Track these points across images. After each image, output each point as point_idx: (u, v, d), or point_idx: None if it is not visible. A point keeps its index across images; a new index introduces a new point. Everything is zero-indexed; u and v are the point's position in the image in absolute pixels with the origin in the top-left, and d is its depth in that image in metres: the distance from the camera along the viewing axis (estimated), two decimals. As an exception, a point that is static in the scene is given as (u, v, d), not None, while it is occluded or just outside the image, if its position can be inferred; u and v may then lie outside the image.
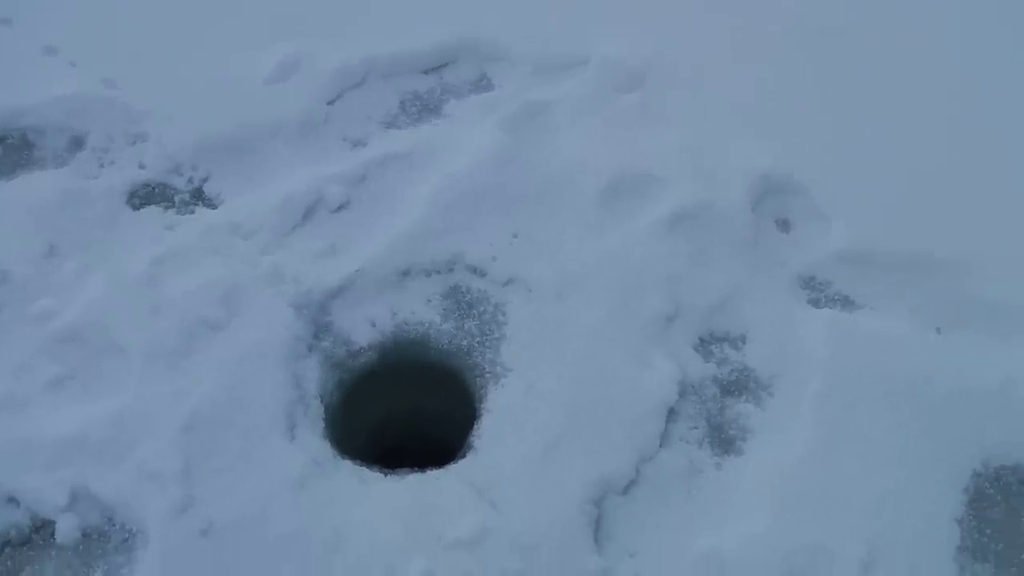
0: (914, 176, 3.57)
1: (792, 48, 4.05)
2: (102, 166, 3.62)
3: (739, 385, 3.12)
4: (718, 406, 3.06)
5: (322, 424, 2.97)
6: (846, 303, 3.33)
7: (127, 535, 2.68)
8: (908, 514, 2.78)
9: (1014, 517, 2.85)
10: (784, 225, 3.55)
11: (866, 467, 2.87)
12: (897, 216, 3.47)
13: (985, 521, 2.83)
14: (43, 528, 2.70)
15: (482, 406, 3.02)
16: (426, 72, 4.05)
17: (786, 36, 4.10)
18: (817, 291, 3.38)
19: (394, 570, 2.54)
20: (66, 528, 2.67)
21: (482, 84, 4.03)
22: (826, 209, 3.52)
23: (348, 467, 2.85)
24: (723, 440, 2.98)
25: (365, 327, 3.21)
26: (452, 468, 2.86)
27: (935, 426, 2.96)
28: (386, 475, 2.84)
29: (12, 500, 2.71)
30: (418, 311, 3.25)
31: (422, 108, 3.94)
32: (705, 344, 3.22)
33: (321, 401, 3.02)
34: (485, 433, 2.93)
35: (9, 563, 2.63)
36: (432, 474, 2.84)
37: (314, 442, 2.89)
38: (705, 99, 3.84)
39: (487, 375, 3.09)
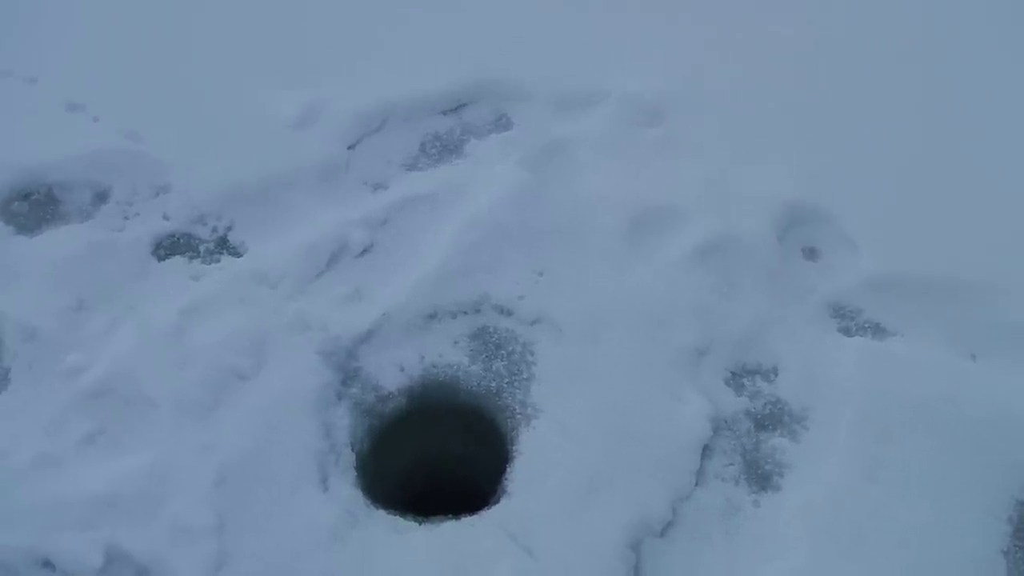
0: (941, 198, 3.55)
1: (809, 75, 4.05)
2: (127, 218, 3.64)
3: (773, 419, 3.08)
4: (753, 441, 3.02)
5: (354, 473, 2.95)
6: (877, 331, 3.30)
7: (163, 594, 2.65)
8: (951, 547, 2.73)
9: (1062, 547, 2.78)
10: (811, 253, 3.53)
11: (905, 499, 2.83)
12: (926, 240, 3.45)
13: (1030, 548, 2.77)
14: (79, 589, 2.68)
15: (514, 448, 3.00)
16: (445, 113, 4.06)
17: (802, 64, 4.10)
18: (847, 319, 3.35)
19: (432, 622, 2.50)
20: (101, 589, 2.65)
21: (501, 123, 4.04)
22: (853, 235, 3.50)
23: (382, 517, 2.83)
24: (759, 476, 2.94)
25: (393, 372, 3.20)
26: (486, 514, 2.83)
27: (974, 454, 2.92)
28: (420, 523, 2.81)
29: (47, 564, 2.69)
30: (446, 354, 3.24)
31: (442, 149, 3.95)
32: (737, 377, 3.19)
33: (352, 449, 3.01)
34: (518, 476, 2.91)
35: (45, 630, 2.61)
36: (466, 521, 2.81)
37: (346, 491, 2.87)
38: (726, 130, 3.84)
39: (518, 416, 3.07)
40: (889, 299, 3.36)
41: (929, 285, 3.35)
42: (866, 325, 3.32)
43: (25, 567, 2.66)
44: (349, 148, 3.87)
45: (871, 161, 3.69)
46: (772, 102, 3.94)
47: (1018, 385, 3.07)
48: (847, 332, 3.30)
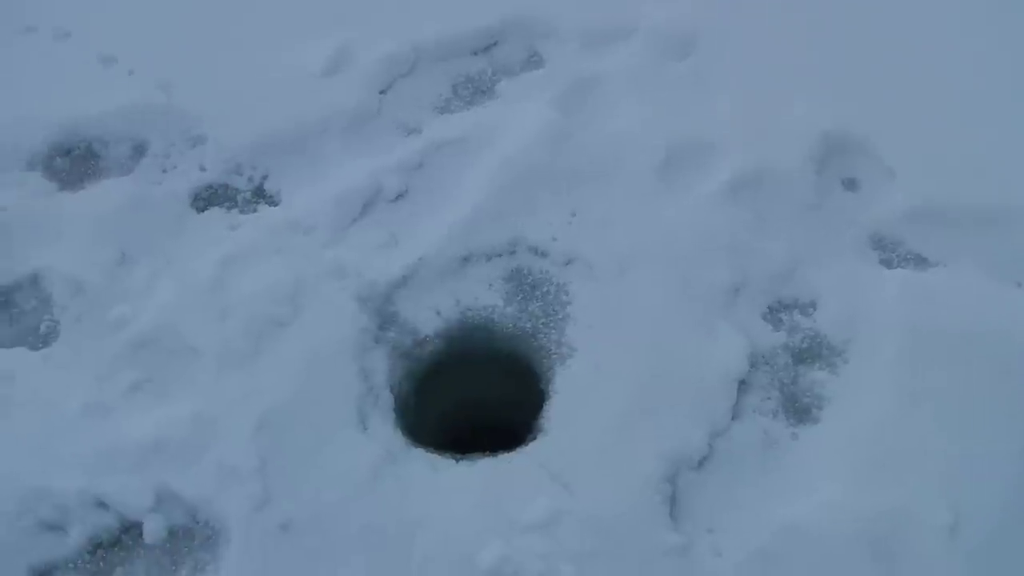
0: (982, 124, 3.46)
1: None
2: (164, 171, 3.68)
3: (812, 353, 3.06)
4: (791, 375, 3.00)
5: (393, 415, 2.99)
6: (919, 262, 3.24)
7: (211, 532, 2.74)
8: (993, 475, 2.70)
9: (1107, 476, 2.74)
10: (851, 184, 3.46)
11: (947, 429, 2.79)
12: (968, 167, 3.36)
13: (1076, 481, 2.73)
14: (131, 529, 2.77)
15: (550, 387, 3.02)
16: (475, 53, 4.03)
17: None
18: (888, 251, 3.29)
19: (470, 557, 2.56)
20: (153, 528, 2.74)
21: (533, 61, 4.00)
22: (893, 164, 3.43)
23: (420, 455, 2.88)
24: (797, 409, 2.93)
25: (430, 316, 3.22)
26: (523, 451, 2.86)
27: (1016, 382, 2.86)
28: (458, 461, 2.85)
29: (101, 504, 2.78)
30: (481, 296, 3.26)
31: (474, 91, 3.93)
32: (774, 313, 3.16)
33: (391, 392, 3.05)
34: (554, 415, 2.93)
35: (102, 564, 2.71)
36: (504, 458, 2.85)
37: (386, 433, 2.92)
38: (758, 61, 3.76)
39: (553, 356, 3.08)
40: (930, 229, 3.29)
41: (971, 213, 3.28)
42: (908, 256, 3.26)
43: (79, 508, 2.75)
44: (381, 93, 3.86)
45: (909, 88, 3.59)
46: (805, 30, 3.83)
47: (1065, 311, 2.99)
48: (888, 264, 3.24)
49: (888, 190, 3.39)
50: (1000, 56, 3.70)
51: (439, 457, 2.88)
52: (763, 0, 3.99)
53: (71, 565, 2.71)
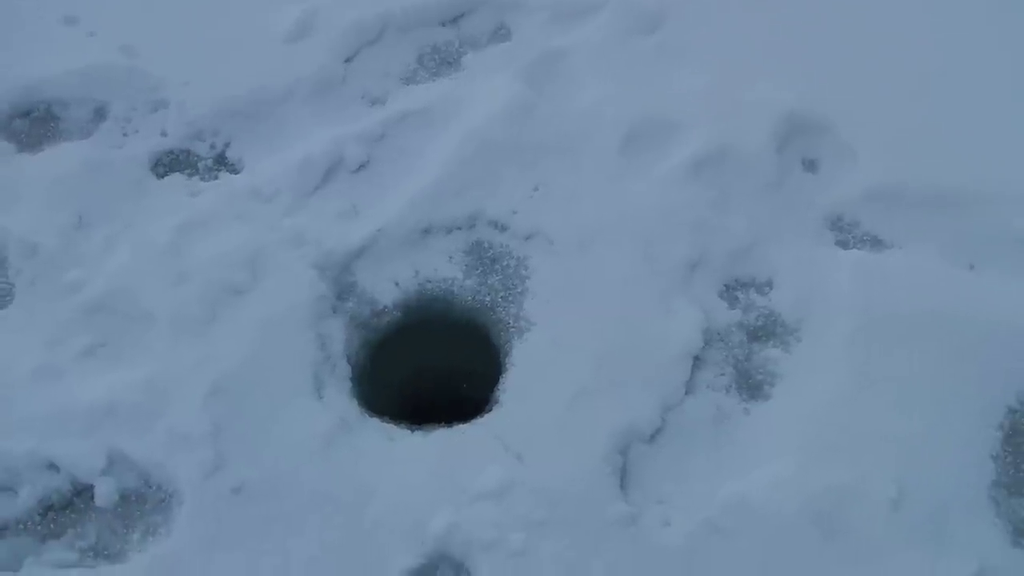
0: (944, 107, 3.49)
1: None
2: (125, 135, 3.64)
3: (766, 331, 3.09)
4: (745, 352, 3.03)
5: (349, 384, 3.00)
6: (875, 243, 3.27)
7: (163, 496, 2.74)
8: (940, 452, 2.75)
9: (1051, 453, 2.80)
10: (811, 165, 3.49)
11: (896, 408, 2.84)
12: (928, 151, 3.39)
13: (1021, 455, 2.78)
14: (83, 492, 2.76)
15: (507, 360, 3.03)
16: (443, 24, 4.01)
17: None
18: (845, 232, 3.32)
19: (421, 524, 2.57)
20: (105, 491, 2.73)
21: (500, 33, 3.98)
22: (854, 145, 3.45)
23: (375, 424, 2.89)
24: (750, 386, 2.96)
25: (388, 286, 3.22)
26: (478, 422, 2.88)
27: (968, 364, 2.92)
28: (413, 431, 2.86)
29: (52, 466, 2.77)
30: (440, 268, 3.26)
31: (440, 62, 3.91)
32: (730, 290, 3.19)
33: (348, 361, 3.05)
34: (510, 387, 2.94)
35: (52, 526, 2.70)
36: (458, 429, 2.86)
37: (341, 401, 2.92)
38: (725, 39, 3.76)
39: (511, 329, 3.10)
40: (888, 211, 3.32)
41: (929, 196, 3.30)
42: (864, 238, 3.29)
43: (29, 469, 2.74)
44: (346, 61, 3.83)
45: (873, 69, 3.61)
46: (776, 9, 3.84)
47: (1015, 294, 3.05)
48: (844, 245, 3.27)
49: (848, 171, 3.41)
50: (966, 41, 3.73)
51: (394, 427, 2.89)
52: None
53: (21, 526, 2.71)
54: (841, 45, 3.70)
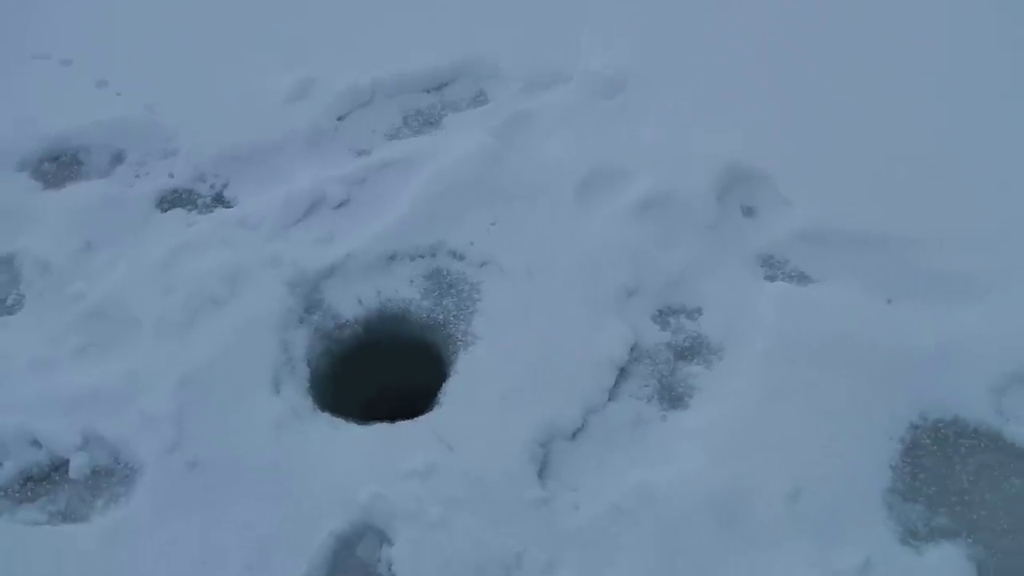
0: (870, 160, 3.80)
1: (759, 50, 4.35)
2: (137, 176, 4.11)
3: (691, 351, 3.33)
4: (670, 368, 3.28)
5: (307, 384, 3.30)
6: (801, 278, 3.53)
7: (129, 472, 3.03)
8: (839, 457, 2.93)
9: (948, 465, 2.96)
10: (749, 211, 3.79)
11: (804, 419, 3.03)
12: (855, 197, 3.67)
13: (919, 467, 2.95)
14: (60, 467, 3.07)
15: (451, 369, 3.31)
16: (428, 91, 4.47)
17: (754, 40, 4.40)
18: (775, 268, 3.58)
19: (351, 495, 2.82)
20: (78, 465, 3.03)
21: (479, 99, 4.42)
22: (789, 194, 3.74)
23: (324, 418, 3.17)
24: (671, 397, 3.19)
25: (352, 303, 3.55)
26: (418, 420, 3.15)
27: (875, 383, 3.11)
28: (358, 424, 3.13)
29: (35, 442, 3.09)
30: (401, 290, 3.59)
31: (423, 122, 4.34)
32: (663, 315, 3.45)
33: (307, 365, 3.36)
34: (451, 391, 3.22)
35: (29, 493, 3.00)
36: (400, 424, 3.13)
37: (296, 397, 3.22)
38: (680, 101, 4.15)
39: (459, 343, 3.39)
40: (816, 251, 3.58)
41: (854, 238, 3.56)
42: (792, 273, 3.55)
43: (14, 444, 3.07)
44: (338, 119, 4.29)
45: (809, 128, 3.94)
46: (723, 75, 4.23)
47: (926, 324, 3.25)
48: (772, 279, 3.52)
49: (781, 216, 3.70)
50: (898, 96, 4.07)
51: (342, 420, 3.17)
52: (694, 48, 4.41)
53: (2, 493, 3.00)
54: (782, 106, 4.07)
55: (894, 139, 3.86)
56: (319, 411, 3.21)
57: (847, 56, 4.31)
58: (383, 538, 2.77)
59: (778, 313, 3.35)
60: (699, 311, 3.45)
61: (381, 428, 3.11)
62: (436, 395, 3.26)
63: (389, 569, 2.70)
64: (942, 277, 3.38)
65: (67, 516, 2.94)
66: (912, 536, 2.79)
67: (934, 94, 4.12)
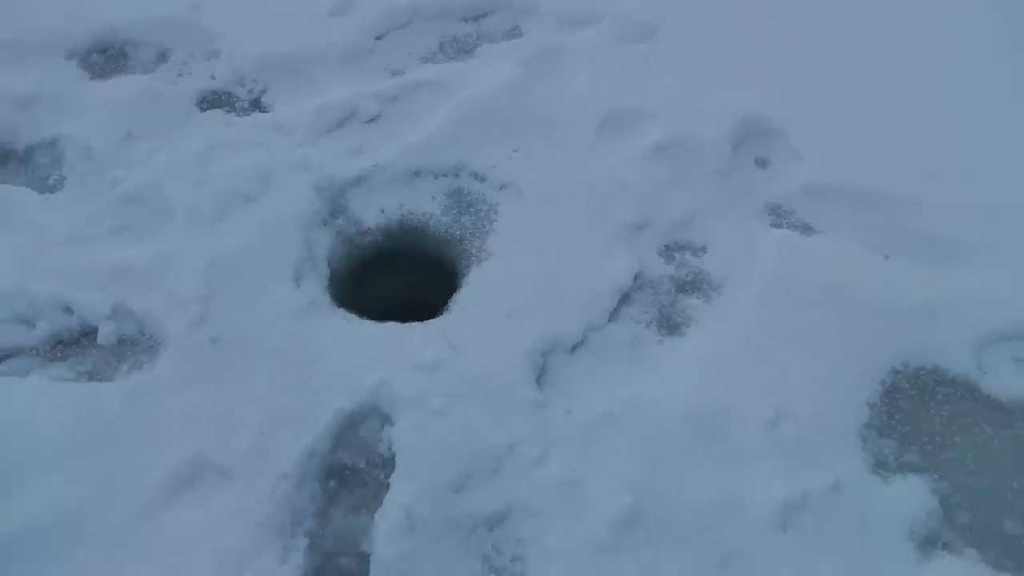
0: (881, 121, 3.93)
1: (785, 6, 4.47)
2: (180, 75, 4.28)
3: (692, 285, 3.50)
4: (670, 299, 3.44)
5: (326, 282, 3.48)
6: (805, 228, 3.68)
7: (153, 343, 3.23)
8: (821, 390, 3.09)
9: (924, 408, 3.13)
10: (762, 163, 3.93)
11: (791, 355, 3.20)
12: (863, 155, 3.81)
13: (896, 407, 3.12)
14: (89, 333, 3.27)
15: (463, 281, 3.49)
16: (466, 20, 4.62)
17: None
18: (781, 217, 3.73)
19: (359, 379, 3.02)
20: (106, 332, 3.24)
21: (513, 32, 4.57)
22: (801, 149, 3.88)
23: (340, 312, 3.36)
24: (669, 325, 3.36)
25: (375, 213, 3.73)
26: (428, 323, 3.33)
27: (863, 328, 3.27)
28: (372, 322, 3.32)
29: (67, 309, 3.29)
30: (423, 204, 3.76)
31: (458, 50, 4.49)
32: (669, 250, 3.61)
33: (328, 265, 3.54)
34: (461, 300, 3.40)
35: (59, 354, 3.21)
36: (410, 325, 3.31)
37: (315, 292, 3.41)
38: (705, 51, 4.28)
39: (472, 258, 3.56)
40: (822, 204, 3.73)
41: (859, 194, 3.71)
42: (796, 223, 3.70)
43: (48, 309, 3.27)
44: (377, 38, 4.44)
45: (826, 86, 4.08)
46: (750, 28, 4.37)
47: (918, 280, 3.40)
48: (777, 227, 3.67)
49: (792, 170, 3.84)
50: (912, 60, 4.22)
51: (356, 316, 3.36)
52: (724, 2, 4.54)
53: (33, 351, 3.22)
54: (803, 63, 4.20)
55: (905, 102, 4.01)
56: (335, 307, 3.39)
57: (868, 20, 4.46)
58: (386, 420, 2.96)
59: (778, 257, 3.50)
60: (704, 249, 3.61)
61: (392, 326, 3.29)
62: (447, 306, 3.43)
63: (389, 448, 2.89)
64: (937, 239, 3.52)
65: (93, 376, 3.14)
66: (882, 467, 2.96)
67: (945, 65, 4.26)
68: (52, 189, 3.78)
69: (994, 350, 3.25)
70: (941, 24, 4.48)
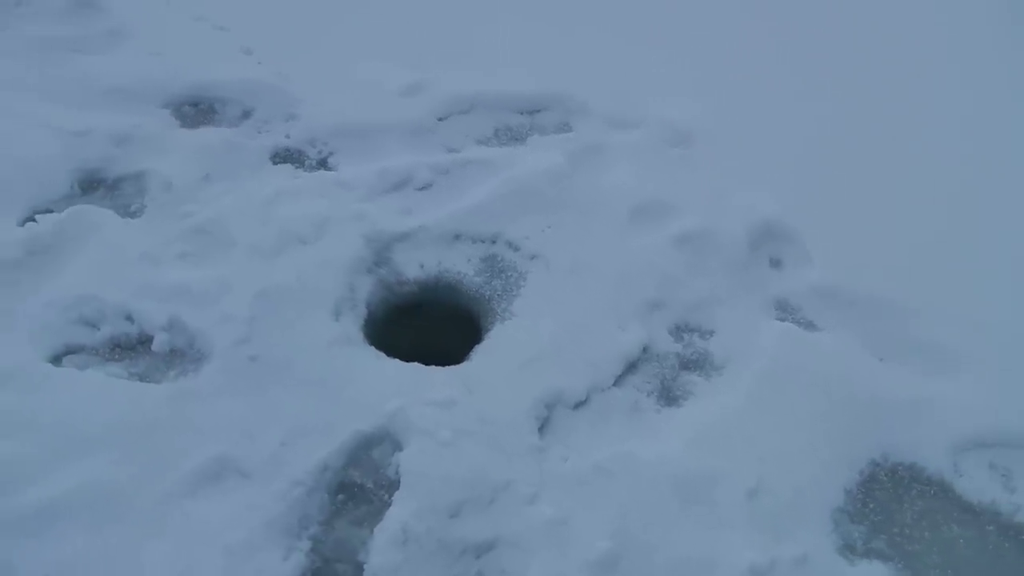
0: (891, 230, 4.29)
1: (814, 118, 4.89)
2: (259, 132, 4.76)
3: (696, 363, 3.77)
4: (673, 374, 3.71)
5: (362, 321, 3.82)
6: (808, 325, 3.95)
7: (200, 356, 3.57)
8: (802, 471, 3.31)
9: (897, 500, 3.32)
10: (776, 263, 4.23)
11: (778, 433, 3.43)
12: (871, 263, 4.12)
13: (870, 496, 3.32)
14: (145, 341, 3.63)
15: (486, 335, 3.81)
16: (521, 113, 5.06)
17: (810, 108, 4.94)
18: (786, 312, 4.01)
19: (379, 405, 3.32)
20: (160, 341, 3.59)
21: (563, 127, 5.00)
22: (813, 254, 4.18)
23: (371, 350, 3.69)
24: (669, 397, 3.62)
25: (415, 267, 4.09)
26: (449, 368, 3.64)
27: (850, 420, 3.50)
28: (399, 361, 3.64)
29: (129, 317, 3.67)
30: (459, 265, 4.11)
31: (511, 137, 4.92)
32: (679, 330, 3.90)
33: (366, 307, 3.89)
34: (481, 351, 3.71)
35: (116, 355, 3.57)
36: (433, 367, 3.62)
37: (351, 329, 3.74)
38: (736, 157, 4.66)
39: (497, 317, 3.88)
40: (827, 305, 4.01)
41: (862, 299, 3.98)
42: (801, 320, 3.97)
43: (113, 316, 3.65)
44: (439, 120, 4.89)
45: (846, 196, 4.42)
46: (779, 138, 4.75)
47: (907, 382, 3.63)
48: (782, 320, 3.95)
49: (803, 272, 4.14)
50: (923, 173, 4.55)
51: (384, 355, 3.68)
52: (758, 111, 4.97)
53: (94, 351, 3.58)
54: (824, 168, 4.61)
55: (914, 207, 4.37)
56: (368, 344, 3.72)
57: (892, 135, 4.83)
58: (397, 446, 3.24)
59: (779, 347, 3.77)
60: (711, 333, 3.89)
61: (416, 367, 3.60)
62: (468, 355, 3.74)
63: (396, 471, 3.17)
64: (929, 345, 3.77)
65: (143, 378, 3.49)
66: (850, 550, 3.15)
67: (958, 179, 4.58)
68: (133, 215, 4.21)
69: (971, 455, 3.44)
70: (955, 124, 4.87)
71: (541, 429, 3.39)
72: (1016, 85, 5.50)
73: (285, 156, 4.64)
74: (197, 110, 4.90)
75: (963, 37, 5.98)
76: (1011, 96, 5.34)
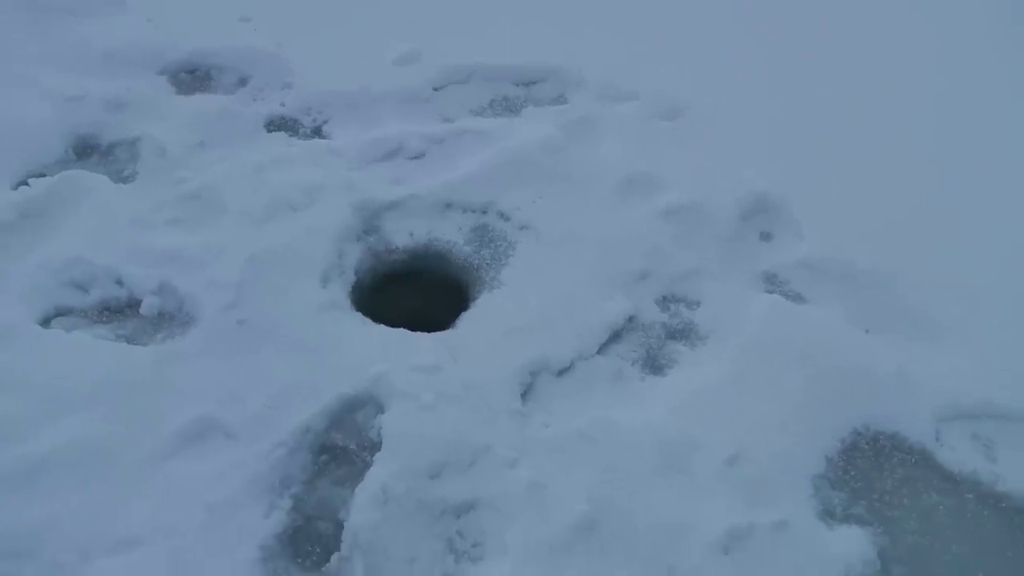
0: (879, 203, 4.26)
1: (805, 92, 4.88)
2: (255, 100, 4.78)
3: (682, 333, 3.78)
4: (659, 343, 3.72)
5: (350, 288, 3.85)
6: (795, 297, 3.94)
7: (187, 319, 3.61)
8: (783, 438, 3.30)
9: (877, 469, 3.32)
10: (766, 236, 4.23)
11: (760, 403, 3.43)
12: (858, 235, 4.09)
13: (851, 464, 3.32)
14: (134, 305, 3.66)
15: (473, 303, 3.82)
16: (518, 84, 5.06)
17: (801, 82, 4.95)
18: (774, 285, 4.01)
19: (364, 369, 3.34)
20: (149, 305, 3.63)
21: (559, 99, 5.00)
22: (803, 227, 4.18)
23: (358, 315, 3.71)
24: (654, 366, 3.63)
25: (404, 235, 4.11)
26: (434, 334, 3.66)
27: (833, 390, 3.49)
28: (384, 327, 3.67)
29: (119, 281, 3.71)
30: (449, 234, 4.13)
31: (506, 108, 4.93)
32: (665, 300, 3.90)
33: (355, 274, 3.91)
34: (467, 318, 3.73)
35: (104, 318, 3.61)
36: (418, 333, 3.65)
37: (339, 294, 3.77)
38: (726, 132, 4.65)
39: (485, 285, 3.90)
40: (815, 277, 4.00)
41: (849, 272, 3.97)
42: (788, 292, 3.96)
43: (103, 280, 3.69)
44: (435, 89, 4.90)
45: (836, 168, 4.41)
46: (771, 114, 4.73)
47: (891, 353, 3.62)
48: (769, 292, 3.95)
49: (793, 246, 4.13)
50: (914, 143, 4.55)
51: (371, 321, 3.70)
52: (750, 87, 4.96)
53: (83, 313, 3.62)
54: (815, 142, 4.59)
55: (901, 176, 4.37)
56: (354, 310, 3.74)
57: (882, 109, 4.83)
58: (380, 409, 3.27)
59: (765, 318, 3.76)
60: (697, 303, 3.89)
61: (402, 332, 3.63)
62: (454, 321, 3.76)
63: (378, 433, 3.20)
64: (915, 316, 3.76)
65: (130, 340, 3.52)
66: (829, 515, 3.16)
67: (946, 152, 4.59)
68: (126, 180, 4.24)
69: (955, 425, 3.44)
70: (946, 98, 4.90)
71: (524, 395, 3.41)
72: (1009, 61, 5.45)
73: (279, 124, 4.66)
74: (193, 77, 4.92)
75: (950, 14, 5.95)
76: (1004, 71, 5.30)
